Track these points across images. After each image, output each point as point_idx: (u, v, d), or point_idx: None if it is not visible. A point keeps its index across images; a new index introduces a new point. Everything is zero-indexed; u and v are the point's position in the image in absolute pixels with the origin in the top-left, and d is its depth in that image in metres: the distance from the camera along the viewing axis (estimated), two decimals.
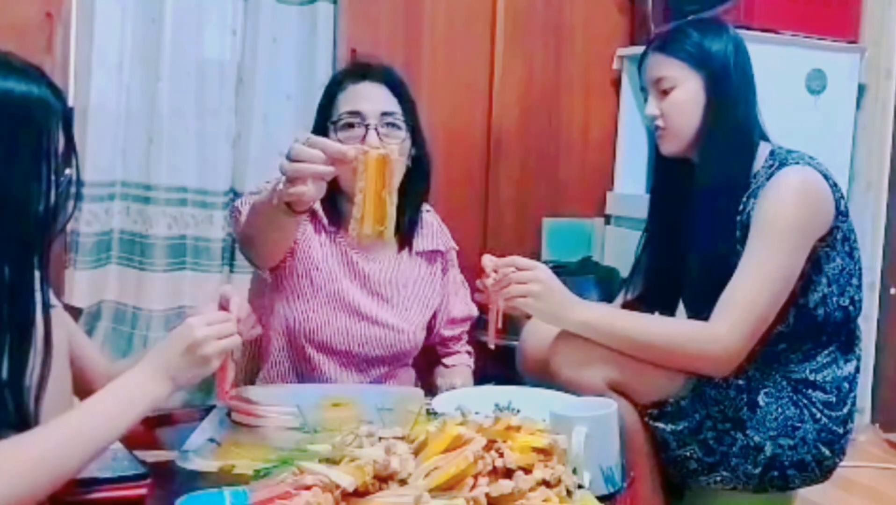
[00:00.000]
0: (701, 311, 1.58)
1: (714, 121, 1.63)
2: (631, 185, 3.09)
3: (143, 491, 1.12)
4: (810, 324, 1.59)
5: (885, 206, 2.90)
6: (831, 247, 1.58)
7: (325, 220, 1.74)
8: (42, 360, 1.07)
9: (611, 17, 3.12)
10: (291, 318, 1.71)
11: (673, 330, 1.57)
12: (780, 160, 1.60)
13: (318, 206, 1.71)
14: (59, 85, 1.13)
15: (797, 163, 1.59)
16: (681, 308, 1.79)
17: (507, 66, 2.98)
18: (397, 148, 1.62)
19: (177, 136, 2.65)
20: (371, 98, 1.70)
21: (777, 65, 2.76)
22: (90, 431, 1.04)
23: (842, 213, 1.59)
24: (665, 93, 1.66)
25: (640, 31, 3.03)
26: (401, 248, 1.81)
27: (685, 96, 1.64)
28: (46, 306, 1.08)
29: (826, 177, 1.59)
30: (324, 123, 1.73)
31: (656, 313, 1.73)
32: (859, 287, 1.64)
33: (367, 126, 1.67)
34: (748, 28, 2.73)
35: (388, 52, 2.76)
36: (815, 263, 1.57)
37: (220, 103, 2.69)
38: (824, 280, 1.58)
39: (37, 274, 1.06)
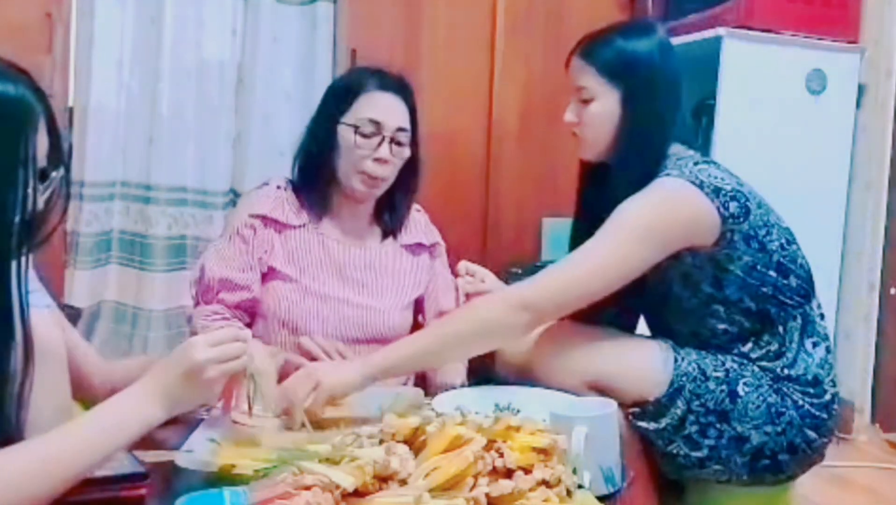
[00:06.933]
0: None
1: (627, 134, 1.67)
2: None
3: (143, 491, 1.11)
4: (748, 315, 1.61)
5: (885, 206, 2.90)
6: (731, 249, 1.59)
7: (293, 220, 1.79)
8: (23, 367, 1.03)
9: (611, 16, 3.10)
10: (266, 307, 1.77)
11: (467, 314, 1.60)
12: (665, 169, 1.62)
13: (274, 213, 1.78)
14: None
15: (678, 169, 1.60)
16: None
17: (507, 67, 2.98)
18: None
19: (177, 136, 2.65)
20: (393, 111, 1.76)
21: (777, 65, 2.76)
22: (74, 453, 1.00)
23: (734, 217, 1.58)
24: (585, 102, 1.71)
25: None
26: (384, 238, 1.88)
27: (602, 110, 1.68)
28: (25, 313, 1.03)
29: (712, 188, 1.57)
30: (333, 117, 1.76)
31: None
32: (787, 275, 1.63)
33: (383, 138, 1.74)
34: (748, 28, 2.74)
35: (388, 52, 2.76)
36: (716, 264, 1.59)
37: (220, 103, 2.70)
38: (733, 277, 1.60)
39: (14, 281, 1.00)
